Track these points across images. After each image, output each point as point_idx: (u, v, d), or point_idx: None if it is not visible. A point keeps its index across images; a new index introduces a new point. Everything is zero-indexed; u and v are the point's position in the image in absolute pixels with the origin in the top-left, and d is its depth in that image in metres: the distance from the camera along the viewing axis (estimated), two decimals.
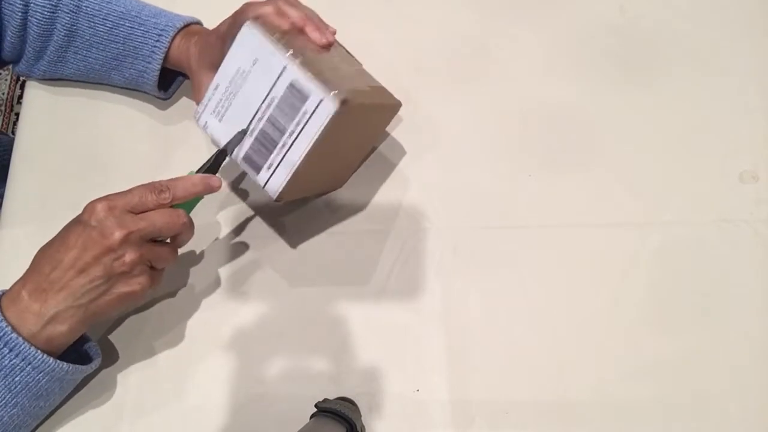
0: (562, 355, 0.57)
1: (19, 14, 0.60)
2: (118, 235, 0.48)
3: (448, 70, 0.67)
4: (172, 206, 0.52)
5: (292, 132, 0.50)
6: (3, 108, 1.47)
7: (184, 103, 0.67)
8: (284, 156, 0.51)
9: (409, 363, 0.57)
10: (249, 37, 0.51)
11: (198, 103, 0.56)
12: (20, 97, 1.47)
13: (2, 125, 1.45)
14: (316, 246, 0.61)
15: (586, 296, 0.59)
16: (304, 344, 0.58)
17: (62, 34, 0.61)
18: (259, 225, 0.62)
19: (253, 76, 0.51)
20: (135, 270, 0.50)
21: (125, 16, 0.61)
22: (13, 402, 0.50)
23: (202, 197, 0.54)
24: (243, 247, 0.61)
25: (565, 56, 0.67)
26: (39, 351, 0.49)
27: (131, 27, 0.61)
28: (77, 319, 0.50)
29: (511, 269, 0.60)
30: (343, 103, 0.49)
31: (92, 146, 0.65)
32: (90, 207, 0.49)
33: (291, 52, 0.50)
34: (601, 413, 0.55)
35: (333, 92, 0.49)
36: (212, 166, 0.54)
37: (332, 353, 0.57)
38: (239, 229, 0.62)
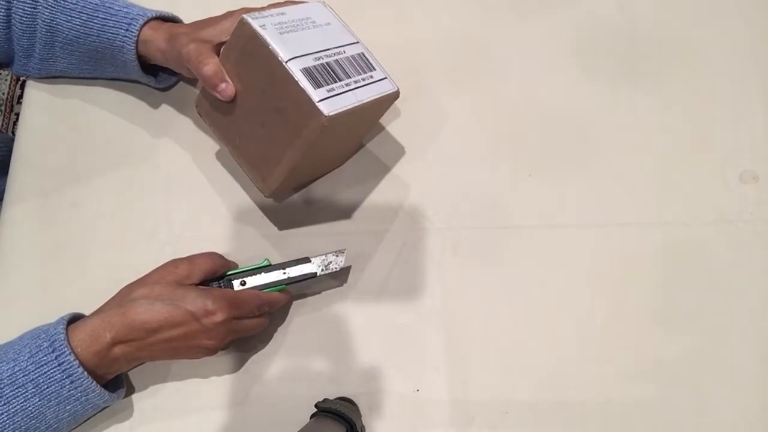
0: (561, 355, 0.57)
1: (3, 13, 0.60)
2: (219, 342, 0.53)
3: (448, 70, 0.67)
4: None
5: (357, 81, 0.54)
6: (3, 108, 1.47)
7: (184, 102, 0.67)
8: (348, 91, 0.53)
9: (409, 363, 0.57)
10: (322, 9, 0.57)
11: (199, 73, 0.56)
12: (20, 97, 1.46)
13: (2, 125, 1.45)
14: (316, 246, 0.61)
15: (586, 296, 0.59)
16: (304, 344, 0.58)
17: (44, 30, 0.61)
18: (257, 225, 0.62)
19: (324, 30, 0.56)
20: (218, 346, 0.54)
21: (99, 8, 0.60)
22: (55, 426, 0.51)
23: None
24: (242, 248, 0.61)
25: (564, 56, 0.67)
26: (98, 386, 0.50)
27: (104, 19, 0.60)
28: (139, 361, 0.55)
29: (511, 269, 0.60)
30: (399, 92, 0.56)
31: (92, 146, 0.65)
32: (213, 307, 0.51)
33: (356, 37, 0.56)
34: (601, 413, 0.55)
35: (392, 80, 0.56)
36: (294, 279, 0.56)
37: (332, 353, 0.57)
38: (238, 229, 0.62)
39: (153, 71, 0.64)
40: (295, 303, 0.59)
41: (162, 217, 0.62)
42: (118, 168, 0.65)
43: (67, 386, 0.49)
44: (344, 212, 0.62)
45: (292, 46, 0.52)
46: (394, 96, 0.56)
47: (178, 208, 0.63)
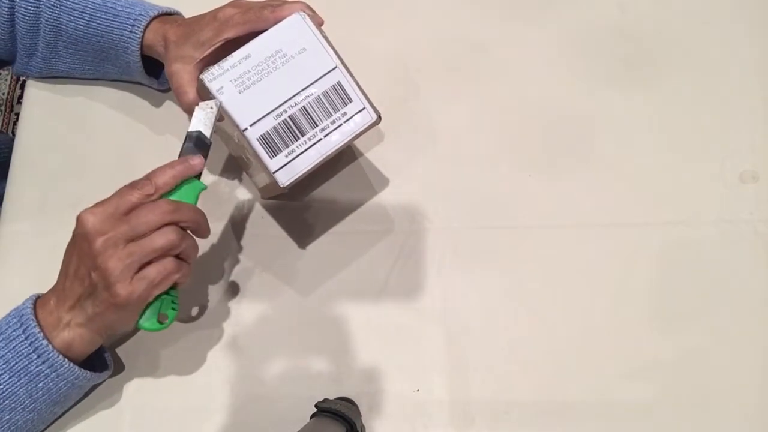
0: (562, 355, 0.57)
1: (6, 11, 0.60)
2: (99, 241, 0.47)
3: (448, 70, 0.67)
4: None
5: (325, 128, 0.51)
6: (3, 108, 1.47)
7: None
8: (309, 148, 0.51)
9: (409, 363, 0.57)
10: (300, 26, 0.52)
11: (176, 86, 0.55)
12: (20, 97, 1.46)
13: (2, 125, 1.45)
14: (316, 246, 0.61)
15: (586, 296, 0.59)
16: (304, 344, 0.58)
17: (47, 30, 0.60)
18: (258, 225, 0.62)
19: (296, 63, 0.51)
20: (118, 275, 0.47)
21: (101, 9, 0.60)
22: (31, 407, 0.50)
23: (203, 186, 0.52)
24: (243, 248, 0.61)
25: (565, 56, 0.67)
26: (66, 359, 0.49)
27: (107, 19, 0.59)
28: (89, 328, 0.50)
29: (511, 269, 0.60)
30: (379, 117, 0.53)
31: (92, 146, 0.65)
32: (78, 218, 0.49)
33: (338, 56, 0.52)
34: (601, 413, 0.55)
35: (372, 106, 0.52)
36: (196, 149, 0.51)
37: (332, 353, 0.57)
38: (238, 229, 0.62)
39: (155, 72, 0.63)
40: (294, 302, 0.59)
41: None
42: (118, 168, 0.65)
43: (35, 360, 0.49)
44: (344, 212, 0.62)
45: (252, 107, 0.51)
46: (373, 125, 0.53)
47: None
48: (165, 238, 0.48)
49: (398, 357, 0.57)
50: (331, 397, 0.55)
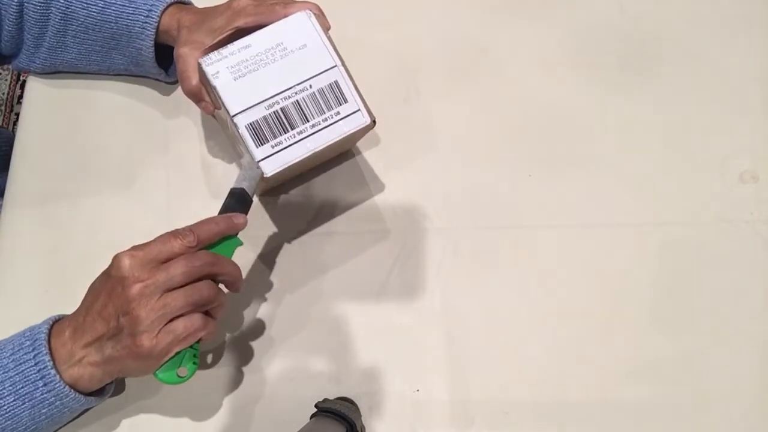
0: (562, 355, 0.57)
1: (15, 2, 0.60)
2: (135, 288, 0.46)
3: (448, 70, 0.67)
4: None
5: (316, 124, 0.52)
6: (3, 108, 1.47)
7: (184, 101, 0.67)
8: (298, 141, 0.52)
9: (409, 363, 0.57)
10: (304, 23, 0.53)
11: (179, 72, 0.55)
12: (20, 97, 1.46)
13: (2, 125, 1.45)
14: (316, 246, 0.61)
15: (586, 296, 0.59)
16: (304, 344, 0.58)
17: (58, 17, 0.61)
18: (258, 225, 0.62)
19: (296, 57, 0.52)
20: (148, 325, 0.46)
21: None
22: (32, 428, 0.50)
23: (239, 242, 0.52)
24: (242, 248, 0.61)
25: (565, 56, 0.67)
26: (72, 390, 0.48)
27: (122, 5, 0.60)
28: (103, 369, 0.49)
29: (511, 269, 0.60)
30: (374, 122, 0.53)
31: (92, 145, 0.65)
32: (115, 259, 0.47)
33: (339, 56, 0.53)
34: (601, 413, 0.55)
35: (368, 109, 0.53)
36: (238, 206, 0.52)
37: (332, 353, 0.57)
38: None
39: (163, 64, 0.63)
40: (294, 302, 0.59)
41: (162, 217, 0.62)
42: (118, 168, 0.65)
43: (41, 388, 0.48)
44: (344, 212, 0.62)
45: (245, 95, 0.51)
46: (368, 128, 0.53)
47: (179, 208, 0.63)
48: (200, 293, 0.47)
49: (398, 357, 0.57)
50: (331, 397, 0.55)
